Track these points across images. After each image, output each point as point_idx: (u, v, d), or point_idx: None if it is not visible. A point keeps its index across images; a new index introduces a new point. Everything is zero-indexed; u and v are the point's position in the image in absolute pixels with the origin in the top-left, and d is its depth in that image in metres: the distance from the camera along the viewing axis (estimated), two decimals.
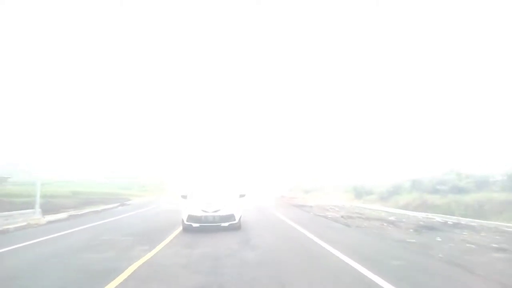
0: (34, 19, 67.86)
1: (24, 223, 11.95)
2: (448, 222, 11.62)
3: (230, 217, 9.71)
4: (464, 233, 9.42)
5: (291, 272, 5.41)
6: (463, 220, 11.62)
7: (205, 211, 9.60)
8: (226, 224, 9.60)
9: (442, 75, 40.87)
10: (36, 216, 12.92)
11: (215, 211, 9.60)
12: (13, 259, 7.09)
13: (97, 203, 23.00)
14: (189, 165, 51.34)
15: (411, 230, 9.91)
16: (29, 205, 13.99)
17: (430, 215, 13.36)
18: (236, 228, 9.76)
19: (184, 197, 10.47)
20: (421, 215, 13.80)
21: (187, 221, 9.62)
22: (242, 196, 10.74)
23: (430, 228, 10.28)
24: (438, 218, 12.66)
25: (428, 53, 47.74)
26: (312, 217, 14.35)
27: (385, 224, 11.49)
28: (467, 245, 7.62)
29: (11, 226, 11.30)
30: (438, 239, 8.42)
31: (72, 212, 16.68)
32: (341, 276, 5.12)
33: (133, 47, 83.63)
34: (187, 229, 9.62)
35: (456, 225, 10.94)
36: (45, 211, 14.40)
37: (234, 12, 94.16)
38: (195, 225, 9.52)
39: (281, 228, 10.91)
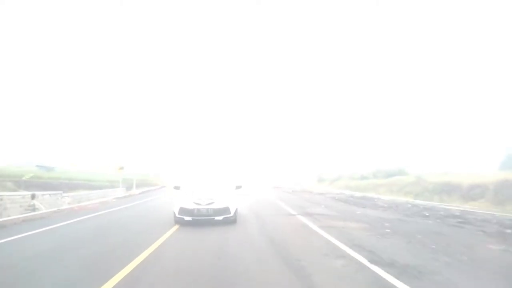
0: (40, 20, 74.39)
1: (127, 193, 22.57)
2: (355, 195, 22.13)
3: (225, 210, 9.14)
4: (351, 198, 19.87)
5: (262, 208, 15.77)
6: (357, 194, 22.30)
7: (198, 204, 9.08)
8: (220, 217, 9.02)
9: (420, 79, 49.71)
10: (131, 191, 23.59)
11: (209, 204, 9.09)
12: (150, 203, 17.61)
13: (143, 186, 33.57)
14: (185, 157, 50.43)
15: (324, 197, 20.45)
16: (105, 186, 24.38)
17: (346, 192, 24.06)
18: (231, 222, 9.18)
19: (177, 188, 10.28)
20: (342, 191, 24.48)
21: (178, 214, 9.12)
22: (238, 187, 10.47)
23: (338, 199, 20.75)
24: (348, 193, 23.38)
25: (412, 56, 56.50)
26: (281, 193, 24.96)
27: (314, 193, 22.14)
28: (341, 203, 18.12)
29: (125, 194, 21.90)
30: (333, 202, 18.96)
31: (140, 189, 27.35)
32: (275, 207, 15.50)
33: (134, 47, 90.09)
34: (178, 223, 9.12)
35: (352, 196, 21.53)
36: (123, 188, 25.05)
37: (234, 12, 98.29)
38: (187, 218, 8.98)
39: (266, 195, 21.42)
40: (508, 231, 8.22)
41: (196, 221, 8.95)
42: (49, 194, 16.55)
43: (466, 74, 45.47)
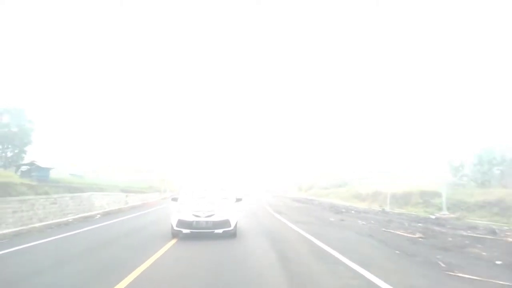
0: (43, 21, 77.38)
1: (164, 196, 33.78)
2: (313, 199, 33.59)
3: (225, 223, 8.88)
4: (307, 201, 31.28)
5: (255, 205, 27.12)
6: (316, 198, 33.77)
7: (197, 216, 8.81)
8: (220, 231, 8.78)
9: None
10: (165, 194, 34.74)
11: (208, 216, 8.84)
12: None
13: (166, 191, 44.58)
14: (185, 168, 52.72)
15: (291, 200, 31.86)
16: (134, 190, 35.54)
17: (311, 197, 35.54)
18: (231, 235, 8.98)
19: (175, 200, 10.10)
20: (309, 196, 35.95)
21: (176, 226, 8.87)
22: (238, 200, 10.32)
23: (299, 201, 32.13)
24: (310, 197, 34.85)
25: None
26: (272, 197, 36.34)
27: (287, 199, 33.65)
28: (299, 203, 29.52)
29: (163, 196, 33.09)
30: (297, 203, 30.37)
31: (169, 193, 38.43)
32: (264, 209, 26.92)
33: (133, 49, 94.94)
34: (176, 236, 8.93)
35: (311, 201, 32.94)
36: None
37: (234, 12, 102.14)
38: (185, 231, 8.76)
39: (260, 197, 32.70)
40: (353, 212, 19.66)
41: (195, 234, 8.78)
42: (124, 195, 27.59)
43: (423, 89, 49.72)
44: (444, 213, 17.39)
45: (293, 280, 5.33)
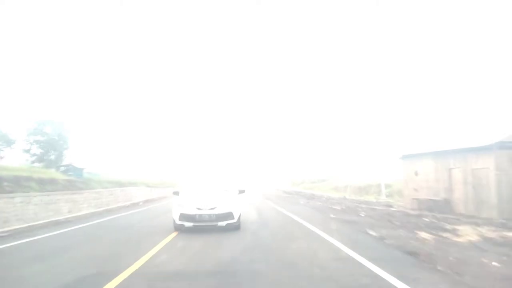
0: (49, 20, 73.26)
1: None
2: (302, 191, 40.72)
3: (228, 215, 8.97)
4: (296, 192, 38.37)
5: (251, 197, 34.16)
6: (304, 190, 40.93)
7: (200, 209, 8.86)
8: (223, 223, 8.87)
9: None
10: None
11: (211, 209, 8.88)
12: None
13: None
14: (187, 161, 53.91)
15: (284, 193, 39.02)
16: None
17: (302, 190, 42.69)
18: (235, 228, 9.13)
19: (176, 193, 10.24)
20: (298, 189, 43.10)
21: (179, 220, 8.94)
22: (241, 192, 10.34)
23: (291, 193, 39.21)
24: (298, 190, 41.98)
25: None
26: (266, 190, 43.43)
27: (279, 191, 40.83)
28: (287, 194, 36.64)
29: None
30: (285, 194, 37.49)
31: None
32: (258, 197, 34.01)
33: (133, 48, 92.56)
34: (178, 230, 9.02)
35: (299, 193, 40.03)
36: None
37: (234, 12, 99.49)
38: (187, 224, 8.85)
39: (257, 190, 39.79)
40: (323, 198, 26.76)
41: (198, 227, 8.82)
42: (148, 189, 34.55)
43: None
44: (383, 198, 24.53)
45: (262, 218, 12.48)
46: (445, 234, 8.59)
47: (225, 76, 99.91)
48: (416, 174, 18.97)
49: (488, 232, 9.05)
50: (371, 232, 8.78)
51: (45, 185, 17.99)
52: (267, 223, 11.56)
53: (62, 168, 29.89)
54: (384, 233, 8.54)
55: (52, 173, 23.52)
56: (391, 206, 18.56)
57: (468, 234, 8.54)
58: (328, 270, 5.39)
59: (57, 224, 12.20)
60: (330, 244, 7.55)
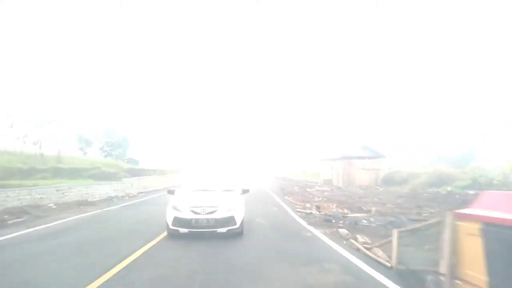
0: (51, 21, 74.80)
1: None
2: (289, 177, 53.97)
3: (229, 220, 7.81)
4: (284, 179, 51.72)
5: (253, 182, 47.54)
6: (297, 177, 54.30)
7: (196, 213, 7.75)
8: (223, 229, 7.73)
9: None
10: None
11: (210, 213, 7.75)
12: None
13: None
14: (187, 158, 55.44)
15: (279, 179, 52.30)
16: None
17: (293, 178, 56.06)
18: (237, 234, 8.03)
19: (171, 192, 9.15)
20: (292, 177, 56.44)
21: (172, 225, 7.84)
22: (245, 192, 9.34)
23: (284, 179, 52.33)
24: (288, 177, 55.39)
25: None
26: (266, 178, 56.70)
27: (278, 179, 54.13)
28: (279, 179, 50.00)
29: None
30: (280, 180, 50.81)
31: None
32: (257, 182, 47.38)
33: (133, 47, 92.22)
34: (172, 235, 7.94)
35: (290, 180, 53.21)
36: None
37: (234, 12, 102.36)
38: (182, 230, 7.71)
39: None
40: (300, 183, 40.08)
41: (194, 233, 7.72)
42: (181, 175, 48.06)
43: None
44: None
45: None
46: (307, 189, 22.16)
47: (225, 76, 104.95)
48: (324, 167, 33.43)
49: (325, 187, 22.39)
50: (284, 188, 22.45)
51: (128, 172, 32.08)
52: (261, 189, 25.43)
53: (125, 160, 44.01)
54: (287, 188, 22.11)
55: (122, 163, 37.62)
56: (316, 183, 32.32)
57: (314, 187, 21.99)
58: (268, 196, 18.91)
59: (156, 191, 25.95)
60: (269, 192, 21.07)
